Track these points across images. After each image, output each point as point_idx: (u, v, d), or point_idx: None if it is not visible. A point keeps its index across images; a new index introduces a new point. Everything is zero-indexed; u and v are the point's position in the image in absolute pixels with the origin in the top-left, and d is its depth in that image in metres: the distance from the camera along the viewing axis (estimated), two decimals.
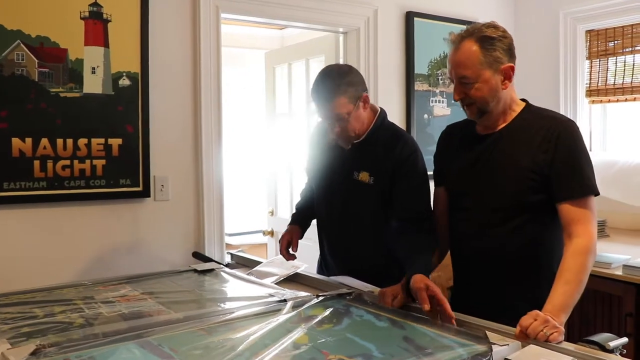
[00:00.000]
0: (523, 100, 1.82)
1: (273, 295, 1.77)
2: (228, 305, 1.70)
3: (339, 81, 1.96)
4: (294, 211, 2.45)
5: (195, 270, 2.19)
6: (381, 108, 2.15)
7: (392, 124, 2.18)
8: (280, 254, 2.26)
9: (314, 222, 2.35)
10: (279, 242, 2.30)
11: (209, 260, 2.51)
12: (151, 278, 2.07)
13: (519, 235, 1.71)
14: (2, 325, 1.49)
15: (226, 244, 3.10)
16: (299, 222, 2.35)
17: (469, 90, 1.70)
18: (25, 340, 1.34)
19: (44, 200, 2.50)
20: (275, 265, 2.25)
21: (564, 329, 1.44)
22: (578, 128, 1.72)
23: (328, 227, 2.24)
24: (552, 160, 1.65)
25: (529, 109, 1.78)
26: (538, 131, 1.69)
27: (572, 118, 3.74)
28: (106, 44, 2.61)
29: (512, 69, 1.71)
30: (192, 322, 1.51)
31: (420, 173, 2.03)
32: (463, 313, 1.61)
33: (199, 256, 2.59)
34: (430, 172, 2.03)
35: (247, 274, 2.18)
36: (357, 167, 2.08)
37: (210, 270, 2.20)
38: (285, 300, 1.69)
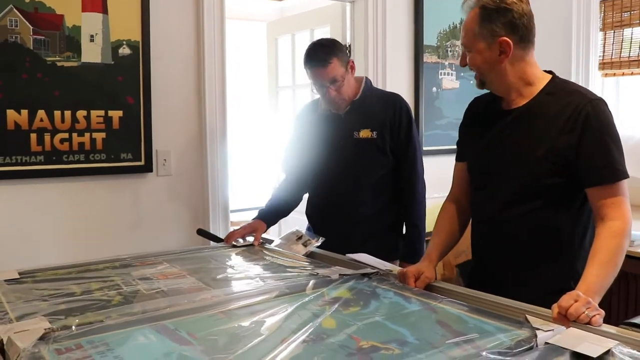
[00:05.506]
0: (549, 72, 1.72)
1: (317, 273, 1.70)
2: (268, 283, 1.64)
3: (331, 47, 2.25)
4: (263, 207, 2.44)
5: (234, 246, 2.19)
6: (366, 76, 2.39)
7: (379, 88, 2.50)
8: (232, 236, 2.24)
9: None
10: (242, 227, 2.30)
11: (213, 237, 2.41)
12: (188, 254, 2.04)
13: (535, 217, 1.64)
14: (41, 302, 1.44)
15: (230, 221, 3.00)
16: (266, 220, 2.37)
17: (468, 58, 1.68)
18: (64, 318, 1.29)
19: (42, 175, 2.38)
20: (290, 243, 2.15)
21: (604, 312, 1.36)
22: (607, 106, 1.61)
23: (328, 195, 2.35)
24: (578, 143, 1.55)
25: (554, 83, 1.68)
26: (564, 109, 1.59)
27: None
28: (105, 10, 2.47)
29: (508, 43, 1.60)
30: (214, 304, 1.43)
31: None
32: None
33: (203, 233, 2.49)
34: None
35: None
36: (356, 127, 2.29)
37: (251, 246, 2.18)
38: (330, 277, 1.65)
